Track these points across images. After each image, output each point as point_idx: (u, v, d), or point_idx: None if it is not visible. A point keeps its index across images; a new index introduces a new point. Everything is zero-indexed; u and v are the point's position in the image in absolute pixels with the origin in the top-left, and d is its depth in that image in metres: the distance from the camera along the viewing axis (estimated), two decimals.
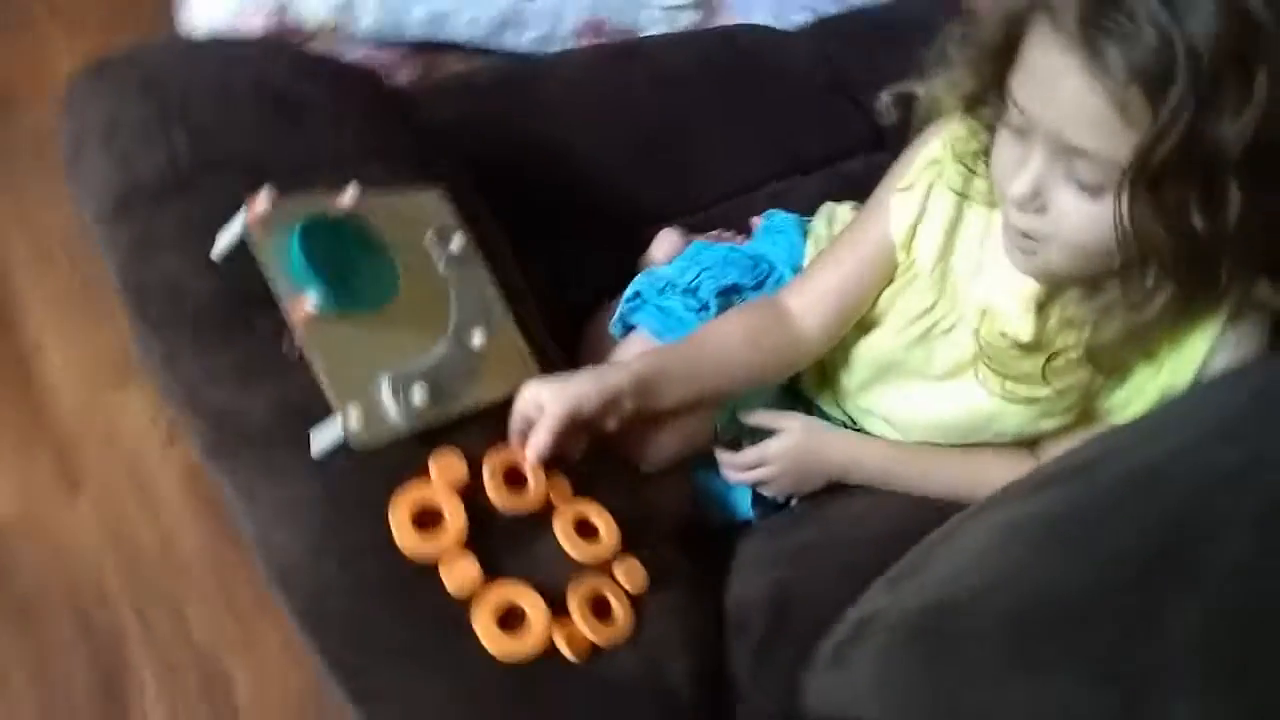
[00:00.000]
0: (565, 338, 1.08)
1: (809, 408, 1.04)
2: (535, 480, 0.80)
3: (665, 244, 1.15)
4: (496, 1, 1.48)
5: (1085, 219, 0.73)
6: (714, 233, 1.20)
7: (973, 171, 0.87)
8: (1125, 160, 0.68)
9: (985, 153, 0.84)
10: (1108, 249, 0.73)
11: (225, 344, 0.76)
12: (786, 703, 0.76)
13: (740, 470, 0.97)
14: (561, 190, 1.17)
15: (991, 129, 0.82)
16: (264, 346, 0.76)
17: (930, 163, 0.92)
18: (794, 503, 1.00)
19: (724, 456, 0.97)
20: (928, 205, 0.92)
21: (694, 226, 1.20)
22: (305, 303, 0.73)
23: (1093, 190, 0.72)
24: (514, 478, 0.80)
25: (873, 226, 0.95)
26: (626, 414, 0.85)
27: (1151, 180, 0.68)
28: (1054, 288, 0.83)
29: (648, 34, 1.45)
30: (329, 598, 0.72)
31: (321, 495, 0.74)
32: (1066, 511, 0.64)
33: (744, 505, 1.00)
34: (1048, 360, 0.83)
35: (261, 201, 0.74)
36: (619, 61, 1.28)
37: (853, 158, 1.30)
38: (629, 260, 1.15)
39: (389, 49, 1.45)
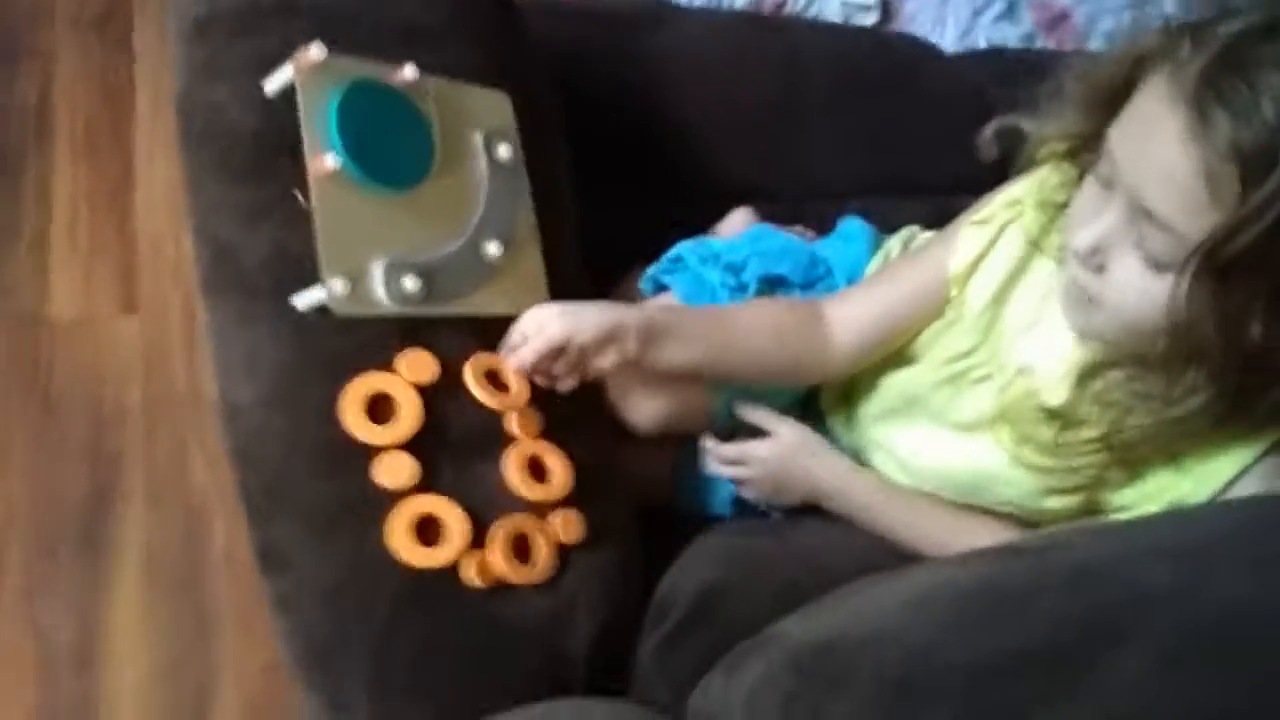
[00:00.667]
0: (603, 285, 1.06)
1: (818, 423, 1.00)
2: (516, 385, 0.79)
3: (737, 221, 1.12)
4: None
5: (1141, 293, 0.68)
6: (796, 227, 1.16)
7: (1052, 222, 0.82)
8: (1198, 239, 0.62)
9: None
10: (1156, 331, 0.68)
11: (246, 180, 0.77)
12: (677, 698, 0.73)
13: (722, 462, 0.93)
14: (652, 141, 1.15)
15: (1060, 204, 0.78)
16: (280, 193, 0.76)
17: (1011, 202, 0.87)
18: (774, 515, 0.96)
19: (710, 443, 0.93)
20: (996, 245, 0.87)
21: (774, 215, 1.16)
22: (326, 160, 0.72)
23: (1157, 265, 0.66)
24: (494, 382, 0.79)
25: (936, 256, 0.90)
26: (627, 355, 0.82)
27: (1219, 270, 0.63)
28: (1100, 362, 0.77)
29: None
30: (264, 442, 0.73)
31: (287, 349, 0.74)
32: (986, 587, 0.60)
33: (721, 502, 0.96)
34: (1064, 428, 0.78)
35: (314, 52, 0.74)
36: (757, 31, 1.25)
37: (966, 194, 1.24)
38: (698, 229, 1.12)
39: None
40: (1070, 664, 0.51)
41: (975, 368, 0.87)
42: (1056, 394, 0.79)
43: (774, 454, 0.91)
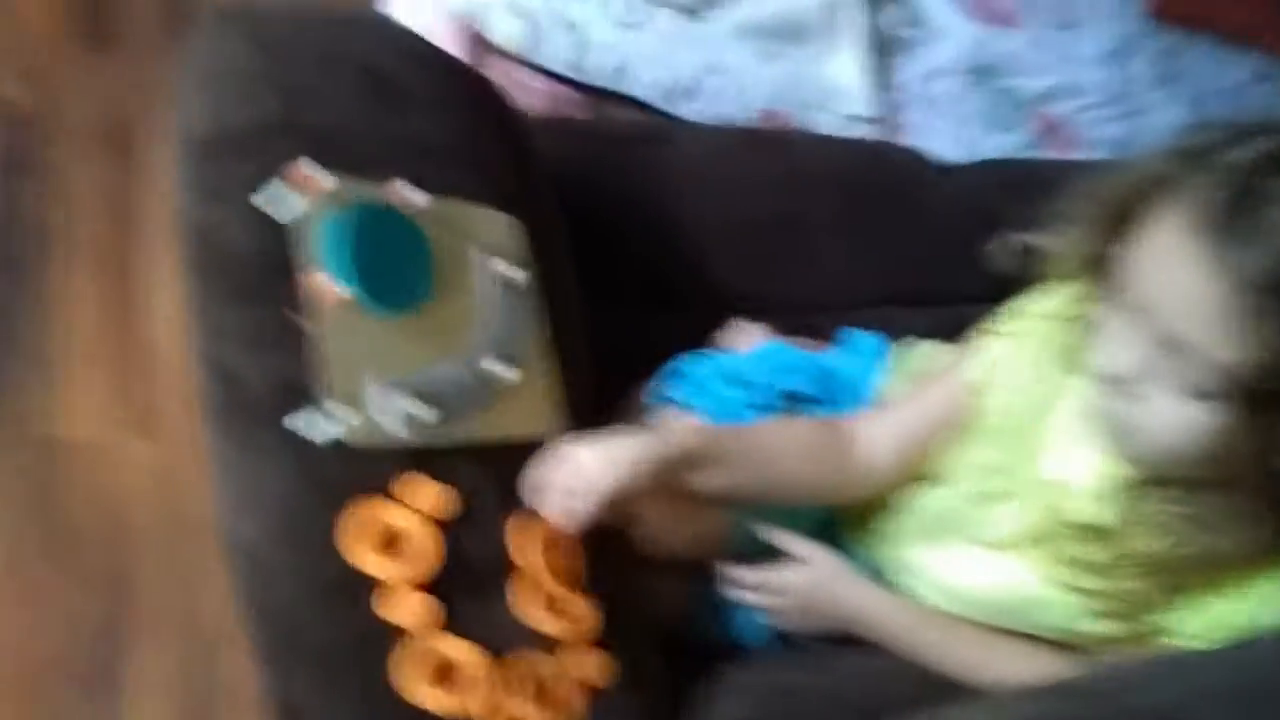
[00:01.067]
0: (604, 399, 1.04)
1: (837, 544, 0.96)
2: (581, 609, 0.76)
3: (741, 336, 1.10)
4: (681, 67, 1.49)
5: (1181, 422, 0.66)
6: (799, 339, 1.14)
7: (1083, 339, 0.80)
8: (1237, 367, 0.61)
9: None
10: (1199, 458, 0.66)
11: (249, 304, 0.75)
12: None
13: (746, 589, 0.89)
14: (652, 254, 1.14)
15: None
16: (283, 318, 0.74)
17: (1040, 315, 0.85)
18: (813, 646, 0.92)
19: (732, 571, 0.89)
20: (1020, 357, 0.85)
21: (776, 328, 1.14)
22: (337, 288, 0.71)
23: (1196, 392, 0.64)
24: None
25: (959, 369, 0.88)
26: (661, 486, 0.79)
27: (1261, 402, 0.61)
28: (1148, 479, 0.74)
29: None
30: (272, 586, 0.70)
31: (294, 481, 0.71)
32: None
33: (754, 630, 0.92)
34: (1105, 561, 0.75)
35: (325, 180, 0.73)
36: (757, 146, 1.25)
37: (970, 305, 1.23)
38: (699, 341, 1.10)
39: (568, 86, 1.45)
40: None
41: (1006, 483, 0.84)
42: (1098, 511, 0.77)
43: (804, 581, 0.88)
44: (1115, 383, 0.69)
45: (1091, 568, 0.76)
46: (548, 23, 1.42)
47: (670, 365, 1.02)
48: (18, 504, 1.32)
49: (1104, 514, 0.76)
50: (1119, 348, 0.68)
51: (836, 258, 1.21)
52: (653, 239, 1.15)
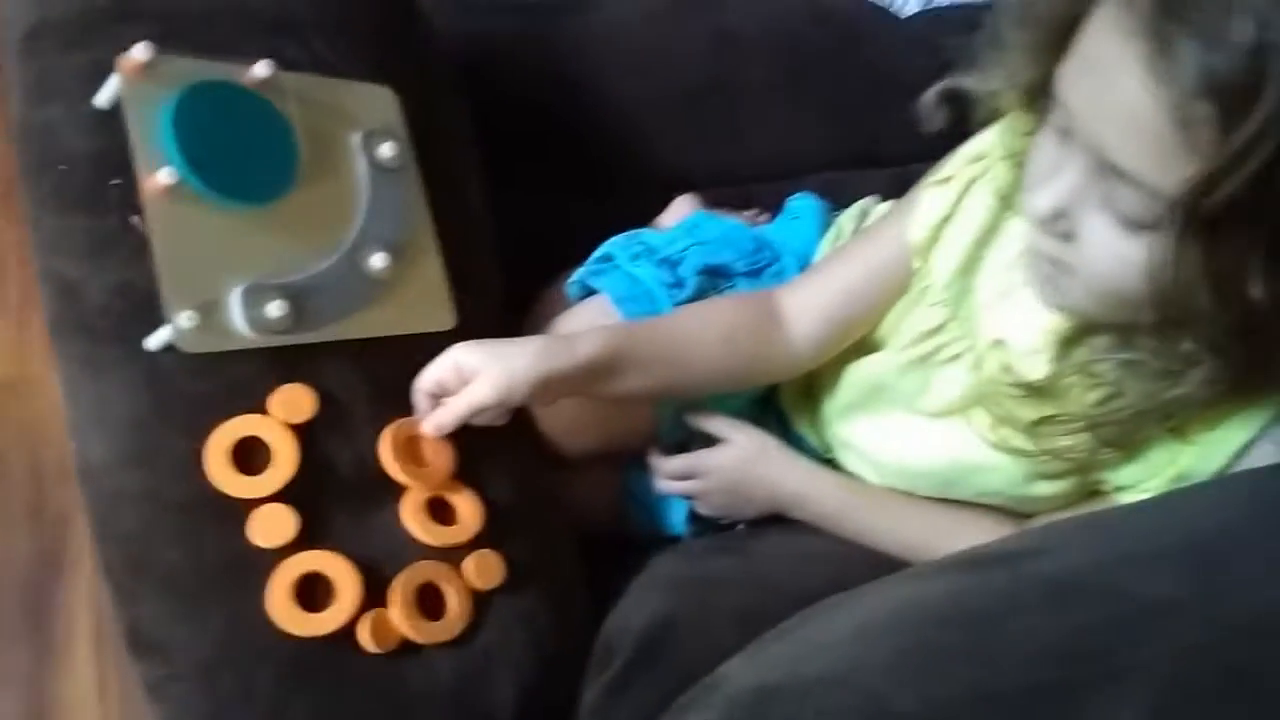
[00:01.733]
0: (531, 292, 0.97)
1: (780, 425, 0.89)
2: (433, 455, 0.70)
3: (678, 211, 1.02)
4: None
5: (1117, 259, 0.58)
6: (749, 212, 1.06)
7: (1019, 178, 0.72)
8: (1176, 193, 0.52)
9: None
10: (1139, 299, 0.58)
11: (85, 209, 0.67)
12: None
13: (671, 477, 0.83)
14: (579, 135, 1.06)
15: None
16: (122, 221, 0.67)
17: (974, 158, 0.77)
18: (739, 526, 0.86)
19: (655, 460, 0.83)
20: (961, 207, 0.76)
21: (724, 201, 1.06)
22: (161, 175, 0.63)
23: (1131, 225, 0.56)
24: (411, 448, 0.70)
25: (895, 226, 0.80)
26: (567, 395, 0.74)
27: (1206, 226, 0.52)
28: (1082, 328, 0.67)
29: None
30: (122, 510, 0.63)
31: (139, 398, 0.64)
32: (952, 610, 0.49)
33: (677, 519, 0.86)
34: (1045, 419, 0.67)
35: (138, 51, 0.64)
36: (686, 9, 1.14)
37: (930, 162, 1.14)
38: (639, 225, 1.02)
39: None
40: (1050, 711, 0.41)
41: (945, 345, 0.77)
42: (1036, 367, 0.69)
43: (728, 462, 0.82)
44: (1043, 221, 0.60)
45: (1035, 428, 0.69)
46: None
47: (599, 250, 0.93)
48: None
49: (1049, 370, 0.69)
50: (1047, 179, 0.60)
51: (774, 123, 1.13)
52: (577, 116, 1.07)
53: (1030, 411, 0.69)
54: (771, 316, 0.82)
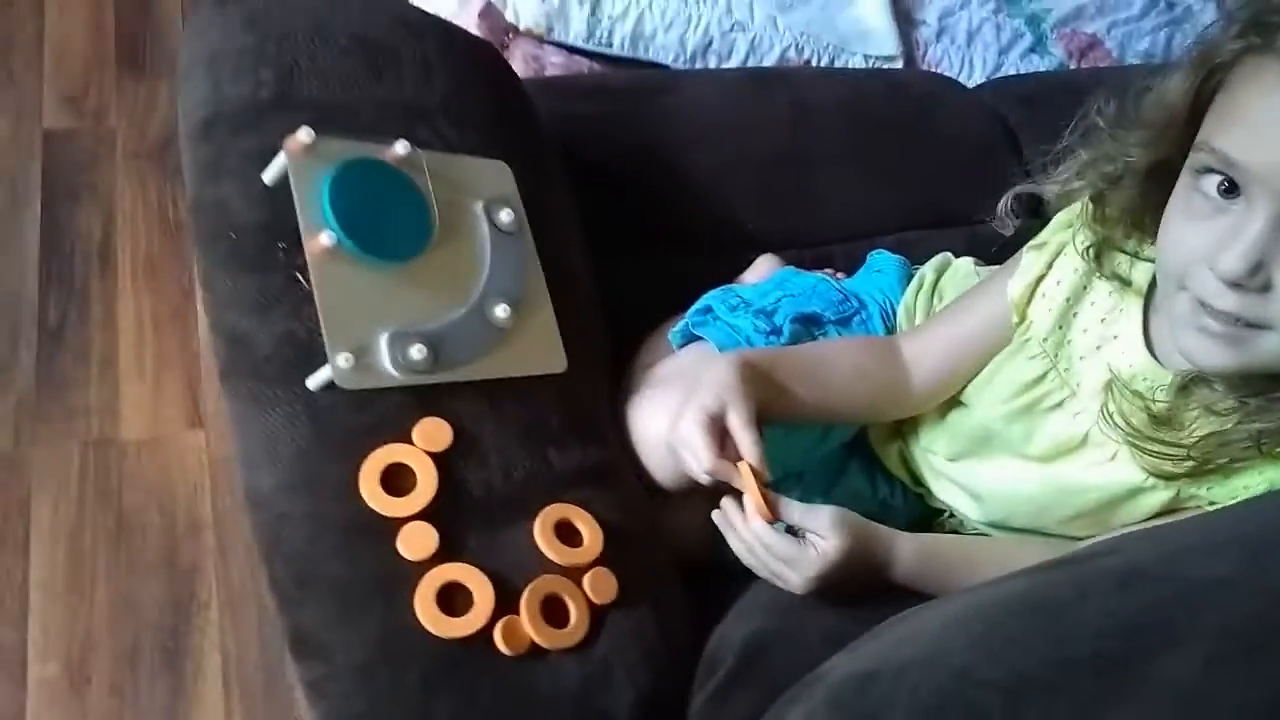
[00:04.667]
0: (632, 344, 1.05)
1: (868, 461, 0.96)
2: (589, 536, 0.78)
3: (762, 268, 1.10)
4: (700, 27, 1.50)
5: None
6: (827, 270, 1.14)
7: (1104, 242, 0.80)
8: None
9: (1125, 223, 0.78)
10: None
11: (254, 271, 0.78)
12: None
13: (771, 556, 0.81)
14: (667, 202, 1.15)
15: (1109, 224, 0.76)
16: (287, 281, 0.77)
17: (1066, 225, 0.84)
18: None
19: (759, 531, 0.79)
20: (1054, 267, 0.84)
21: (801, 262, 1.14)
22: (321, 238, 0.73)
23: None
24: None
25: (999, 283, 0.88)
26: (762, 403, 0.81)
27: None
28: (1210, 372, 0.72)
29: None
30: (285, 529, 0.72)
31: (302, 431, 0.74)
32: (1030, 599, 0.55)
33: None
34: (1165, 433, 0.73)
35: (302, 135, 0.75)
36: (762, 85, 1.24)
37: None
38: (723, 282, 1.10)
39: (590, 59, 1.47)
40: (1118, 671, 0.47)
41: (1048, 395, 0.83)
42: (1151, 404, 0.75)
43: (821, 569, 0.77)
44: (1248, 275, 0.64)
45: (1150, 452, 0.74)
46: (564, 0, 1.44)
47: (699, 303, 1.02)
48: (80, 500, 1.40)
49: (1168, 405, 0.74)
50: (1233, 240, 0.64)
51: (848, 189, 1.21)
52: (664, 186, 1.16)
53: (1145, 441, 0.74)
54: (892, 357, 0.90)
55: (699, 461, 0.76)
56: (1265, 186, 0.62)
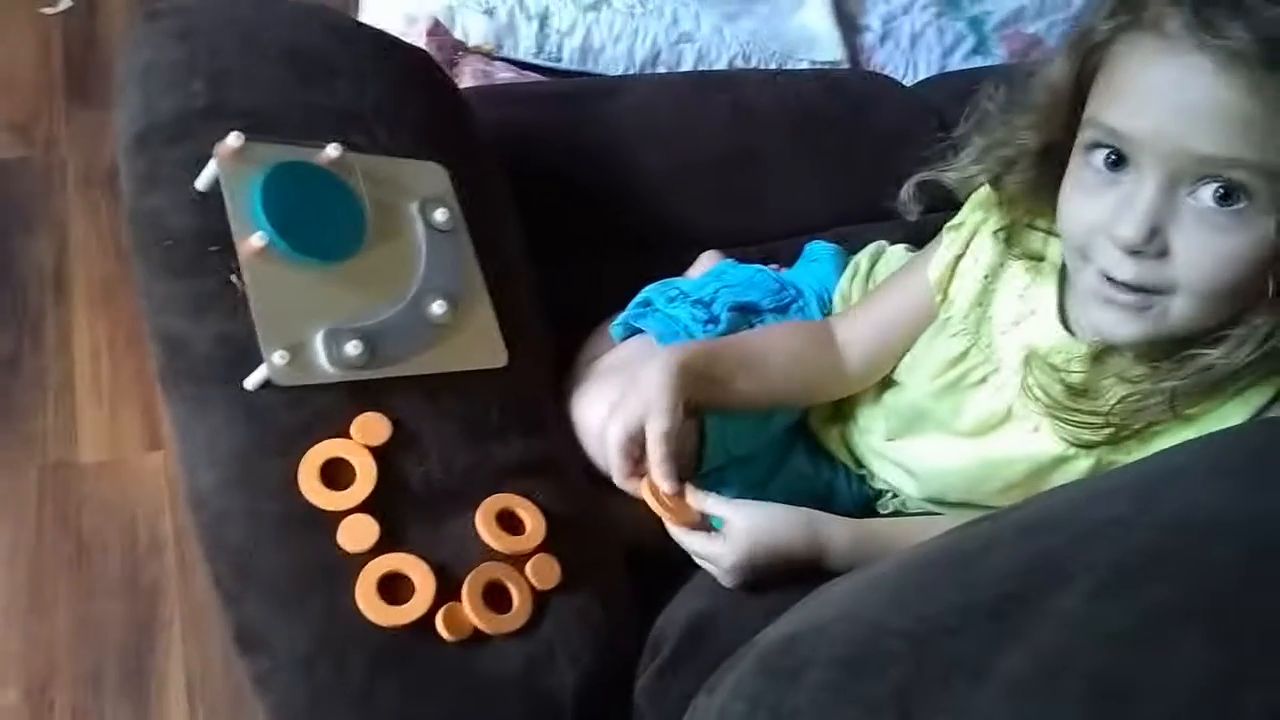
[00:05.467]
0: (576, 342, 1.07)
1: (810, 446, 0.98)
2: (532, 524, 0.79)
3: (705, 264, 1.12)
4: (646, 40, 1.53)
5: (1216, 255, 0.64)
6: (771, 266, 1.16)
7: (1014, 223, 0.83)
8: (1271, 160, 0.60)
9: (1027, 203, 0.80)
10: (1245, 287, 0.65)
11: (188, 275, 0.79)
12: None
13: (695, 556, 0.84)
14: (612, 202, 1.16)
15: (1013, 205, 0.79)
16: (221, 283, 0.78)
17: (978, 204, 0.87)
18: None
19: (676, 535, 0.82)
20: (972, 247, 0.87)
21: (747, 259, 1.16)
22: (253, 239, 0.75)
23: (1230, 208, 0.63)
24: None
25: (920, 265, 0.91)
26: (698, 400, 0.84)
27: None
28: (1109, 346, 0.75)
29: None
30: (227, 526, 0.73)
31: (240, 430, 0.75)
32: (941, 553, 0.57)
33: None
34: (1080, 402, 0.75)
35: (231, 140, 0.77)
36: (701, 88, 1.27)
37: (934, 213, 1.23)
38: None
39: (538, 73, 1.50)
40: (1014, 611, 0.49)
41: (971, 370, 0.85)
42: (1070, 375, 0.77)
43: (730, 554, 0.79)
44: (1145, 241, 0.66)
45: (1069, 422, 0.76)
46: (512, 16, 1.46)
47: (638, 296, 1.04)
48: (38, 522, 1.39)
49: (1083, 376, 0.76)
50: (1125, 210, 0.66)
51: (790, 186, 1.23)
52: (609, 188, 1.17)
53: (1066, 412, 0.76)
54: (828, 340, 0.93)
55: (616, 477, 0.81)
56: (1151, 153, 0.64)
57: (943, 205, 0.91)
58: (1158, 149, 0.64)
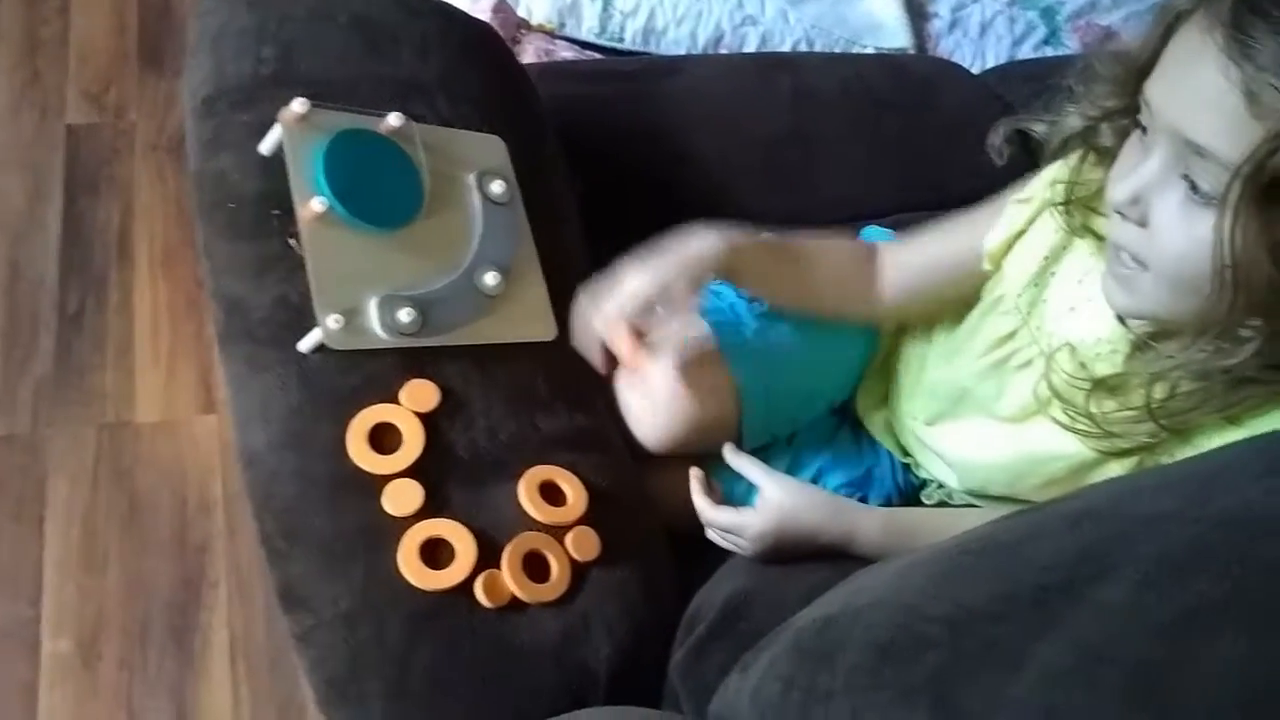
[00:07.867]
0: None
1: (856, 433, 0.97)
2: (573, 496, 0.80)
3: None
4: (711, 21, 1.52)
5: (1187, 238, 0.65)
6: None
7: (1089, 207, 0.81)
8: (1243, 161, 0.60)
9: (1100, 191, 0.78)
10: (1202, 279, 0.64)
11: (250, 238, 0.80)
12: (703, 705, 0.71)
13: (717, 532, 0.87)
14: (669, 183, 1.16)
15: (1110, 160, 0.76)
16: (282, 246, 0.79)
17: (1052, 182, 0.85)
18: None
19: (701, 509, 0.86)
20: (1035, 224, 0.85)
21: None
22: (313, 203, 0.76)
23: (1202, 199, 0.63)
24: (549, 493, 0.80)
25: (981, 223, 0.90)
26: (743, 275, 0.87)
27: (1266, 193, 0.60)
28: (1153, 333, 0.74)
29: None
30: (277, 485, 0.75)
31: (293, 391, 0.76)
32: (983, 542, 0.57)
33: None
34: (1113, 411, 0.74)
35: (298, 105, 0.78)
36: (763, 68, 1.26)
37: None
38: None
39: (602, 53, 1.49)
40: (1055, 600, 0.48)
41: (1018, 352, 0.84)
42: (1105, 367, 0.76)
43: (760, 525, 0.82)
44: (1126, 204, 0.68)
45: (1105, 420, 0.75)
46: None
47: None
48: (94, 482, 1.43)
49: (1121, 369, 0.75)
50: (1130, 174, 0.68)
51: (849, 170, 1.22)
52: (666, 167, 1.17)
53: (1100, 406, 0.75)
54: (870, 265, 0.94)
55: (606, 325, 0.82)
56: (1165, 133, 0.65)
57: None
58: (1170, 129, 0.64)
